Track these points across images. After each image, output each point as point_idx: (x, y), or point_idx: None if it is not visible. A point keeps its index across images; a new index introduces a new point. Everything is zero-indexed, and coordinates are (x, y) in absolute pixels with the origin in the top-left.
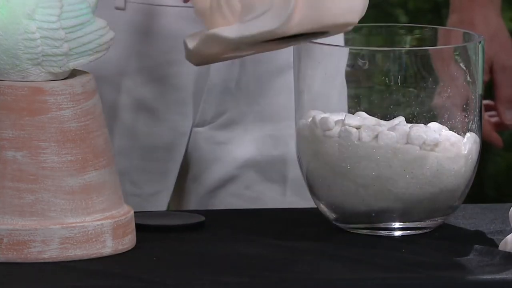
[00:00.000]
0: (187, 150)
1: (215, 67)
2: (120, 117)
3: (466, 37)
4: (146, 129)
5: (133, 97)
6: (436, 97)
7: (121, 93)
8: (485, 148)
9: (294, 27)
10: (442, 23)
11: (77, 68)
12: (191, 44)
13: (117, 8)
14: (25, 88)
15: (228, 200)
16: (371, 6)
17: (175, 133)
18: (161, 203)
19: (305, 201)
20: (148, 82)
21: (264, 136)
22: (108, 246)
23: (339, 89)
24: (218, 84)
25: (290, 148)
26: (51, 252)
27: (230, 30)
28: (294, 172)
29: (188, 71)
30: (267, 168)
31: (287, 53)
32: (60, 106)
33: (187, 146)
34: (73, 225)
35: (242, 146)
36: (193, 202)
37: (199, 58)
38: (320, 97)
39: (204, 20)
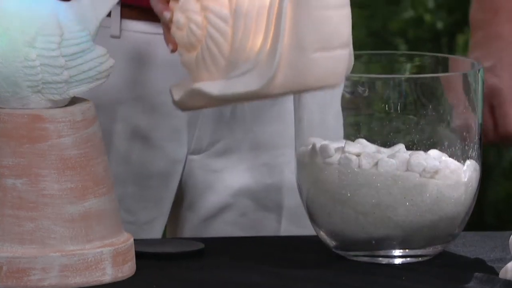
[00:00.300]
0: (182, 177)
1: None
2: (115, 144)
3: (466, 65)
4: (141, 156)
5: (128, 125)
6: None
7: (116, 121)
8: (485, 176)
9: (276, 89)
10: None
11: (77, 96)
12: (176, 96)
13: (112, 37)
14: (25, 116)
15: (223, 228)
16: (370, 35)
17: (170, 161)
18: (156, 230)
19: (301, 229)
20: (143, 110)
21: (259, 164)
22: (108, 274)
23: (337, 116)
24: (213, 112)
25: (285, 176)
26: (51, 280)
27: (213, 86)
28: (290, 201)
29: None
30: (262, 196)
31: None
32: (60, 134)
33: (182, 174)
34: (73, 252)
35: (237, 174)
36: (189, 229)
37: (185, 108)
38: (319, 125)
39: (189, 72)
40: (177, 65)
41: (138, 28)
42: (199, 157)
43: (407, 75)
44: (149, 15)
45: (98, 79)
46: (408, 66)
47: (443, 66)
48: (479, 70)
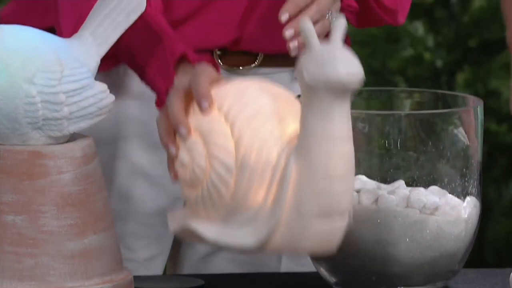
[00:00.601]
0: None
1: None
2: (116, 181)
3: (466, 101)
4: (141, 194)
5: (129, 162)
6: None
7: (117, 158)
8: (485, 213)
9: (270, 248)
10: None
11: (77, 132)
12: (172, 227)
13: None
14: (25, 152)
15: (223, 265)
16: (370, 73)
17: (171, 198)
18: (157, 268)
19: (301, 267)
20: (144, 147)
21: None
22: None
23: None
24: None
25: None
26: None
27: (209, 230)
28: None
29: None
30: None
31: None
32: (60, 170)
33: None
34: None
35: None
36: (189, 266)
37: (181, 238)
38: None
39: (187, 205)
40: None
41: None
42: None
43: (406, 111)
44: None
45: (98, 115)
46: (408, 102)
47: (443, 102)
48: (478, 107)
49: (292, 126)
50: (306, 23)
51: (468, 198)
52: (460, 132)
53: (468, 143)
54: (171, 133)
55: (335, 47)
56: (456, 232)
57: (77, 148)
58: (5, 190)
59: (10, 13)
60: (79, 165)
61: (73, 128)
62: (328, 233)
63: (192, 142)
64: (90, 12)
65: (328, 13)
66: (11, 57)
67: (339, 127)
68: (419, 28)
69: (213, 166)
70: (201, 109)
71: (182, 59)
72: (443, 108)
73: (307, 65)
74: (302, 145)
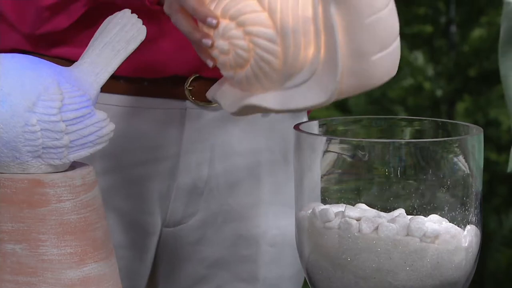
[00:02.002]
0: (157, 250)
1: (184, 167)
2: None
3: (466, 130)
4: (115, 229)
5: (102, 197)
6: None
7: (100, 193)
8: (485, 243)
9: (339, 97)
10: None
11: (77, 160)
12: (230, 108)
13: None
14: (25, 181)
15: None
16: (370, 102)
17: (145, 234)
18: None
19: None
20: (116, 182)
21: (235, 236)
22: None
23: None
24: (187, 184)
25: (261, 248)
26: None
27: (271, 101)
28: (267, 273)
29: (155, 171)
30: (238, 268)
31: (256, 152)
32: (60, 198)
33: (157, 246)
34: None
35: (212, 246)
36: None
37: (239, 115)
38: (319, 189)
39: (238, 86)
40: (152, 137)
41: (112, 101)
42: (174, 230)
43: (407, 139)
44: (122, 88)
45: (98, 143)
46: (408, 130)
47: (443, 130)
48: (478, 135)
49: None
50: None
51: (468, 227)
52: (460, 161)
53: (468, 171)
54: (196, 27)
55: None
56: (457, 261)
57: (77, 176)
58: (5, 219)
59: None
60: (79, 194)
61: (73, 156)
62: (390, 60)
63: (224, 28)
64: (91, 41)
65: None
66: (11, 86)
67: None
68: (419, 57)
69: (256, 43)
70: (210, 26)
71: None
72: (443, 136)
73: None
74: None
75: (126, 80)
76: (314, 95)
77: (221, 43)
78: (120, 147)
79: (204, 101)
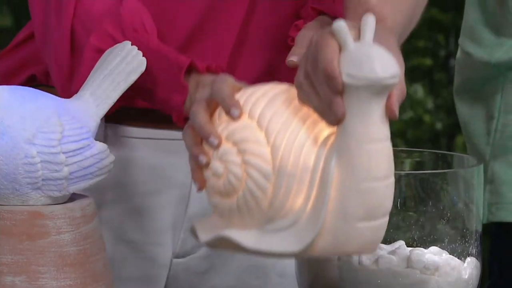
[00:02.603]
0: (167, 281)
1: (194, 196)
2: None
3: (466, 161)
4: (125, 260)
5: (112, 228)
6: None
7: (100, 224)
8: (486, 275)
9: (313, 253)
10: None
11: (76, 192)
12: (203, 237)
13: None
14: (25, 213)
15: None
16: None
17: (155, 265)
18: None
19: None
20: (126, 213)
21: (244, 265)
22: None
23: None
24: (197, 213)
25: (271, 278)
26: None
27: (247, 237)
28: None
29: (166, 201)
30: None
31: None
32: (60, 230)
33: (167, 278)
34: None
35: (221, 275)
36: None
37: (213, 248)
38: None
39: (218, 215)
40: (158, 167)
41: (121, 132)
42: (184, 260)
43: (406, 171)
44: (131, 119)
45: (98, 175)
46: (408, 162)
47: (443, 162)
48: (478, 167)
49: (325, 127)
50: (340, 23)
51: (468, 259)
52: (460, 192)
53: (468, 203)
54: (199, 143)
55: (369, 45)
56: None
57: (76, 208)
58: (4, 251)
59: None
60: (78, 225)
61: (72, 188)
62: (373, 233)
63: (224, 151)
64: (91, 72)
65: None
66: (11, 118)
67: (379, 126)
68: (418, 90)
69: (250, 174)
70: (232, 118)
71: (191, 70)
72: (443, 168)
73: (345, 66)
74: (342, 147)
75: (136, 112)
76: (289, 244)
77: (217, 165)
78: (130, 177)
79: None
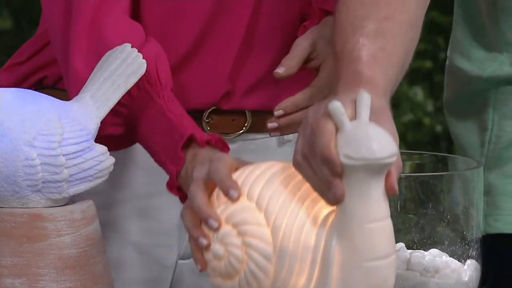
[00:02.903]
0: (172, 283)
1: None
2: (106, 249)
3: (466, 164)
4: (131, 262)
5: (117, 231)
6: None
7: (106, 225)
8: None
9: None
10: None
11: (76, 194)
12: None
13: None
14: (25, 215)
15: None
16: None
17: (161, 267)
18: None
19: None
20: (132, 214)
21: None
22: None
23: None
24: None
25: None
26: None
27: None
28: None
29: (171, 202)
30: None
31: None
32: (60, 233)
33: (172, 279)
34: None
35: None
36: None
37: None
38: None
39: None
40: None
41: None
42: (189, 261)
43: (406, 173)
44: None
45: (98, 177)
46: (408, 164)
47: (443, 164)
48: (478, 169)
49: (324, 205)
50: (335, 104)
51: (468, 261)
52: (460, 195)
53: (468, 205)
54: (198, 225)
55: (366, 124)
56: None
57: (76, 210)
58: (4, 253)
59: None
60: (78, 228)
61: (72, 190)
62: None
63: (224, 233)
64: (91, 75)
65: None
66: (11, 120)
67: (379, 206)
68: (418, 93)
69: (251, 256)
70: (230, 199)
71: (191, 141)
72: (443, 170)
73: (342, 146)
74: (343, 227)
75: (117, 139)
76: None
77: (217, 247)
78: (136, 178)
79: (221, 133)
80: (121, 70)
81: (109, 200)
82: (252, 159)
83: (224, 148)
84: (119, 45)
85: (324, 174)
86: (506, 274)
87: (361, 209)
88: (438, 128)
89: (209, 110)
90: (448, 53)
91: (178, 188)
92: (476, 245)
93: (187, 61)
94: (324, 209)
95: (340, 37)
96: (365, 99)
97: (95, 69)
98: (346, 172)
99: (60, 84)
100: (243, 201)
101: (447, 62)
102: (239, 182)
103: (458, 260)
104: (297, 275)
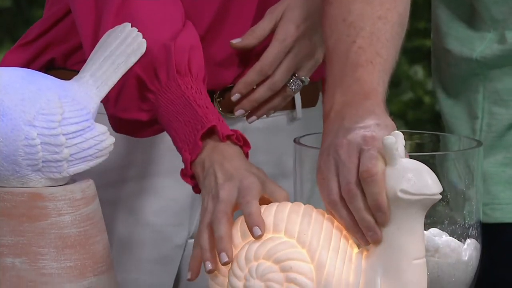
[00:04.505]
0: (181, 261)
1: None
2: (117, 228)
3: (466, 143)
4: (143, 242)
5: (129, 208)
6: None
7: (117, 204)
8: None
9: None
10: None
11: (77, 174)
12: None
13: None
14: (25, 194)
15: None
16: None
17: (171, 246)
18: None
19: None
20: (144, 192)
21: None
22: None
23: None
24: None
25: None
26: None
27: None
28: None
29: (184, 182)
30: None
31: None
32: (60, 212)
33: (182, 257)
34: None
35: None
36: None
37: None
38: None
39: None
40: None
41: None
42: None
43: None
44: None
45: (98, 157)
46: (408, 144)
47: (443, 144)
48: (478, 149)
49: (353, 243)
50: (390, 140)
51: (468, 241)
52: (460, 174)
53: (468, 185)
54: (213, 247)
55: (416, 162)
56: (457, 274)
57: (77, 189)
58: (4, 232)
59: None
60: (78, 207)
61: (73, 170)
62: None
63: (265, 269)
64: (91, 54)
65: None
66: (11, 100)
67: (423, 242)
68: (418, 71)
69: None
70: (254, 236)
71: (212, 133)
72: (443, 150)
73: (397, 182)
74: (390, 263)
75: (143, 125)
76: None
77: (256, 283)
78: (147, 156)
79: (231, 113)
80: (121, 49)
81: (119, 179)
82: (263, 137)
83: (245, 146)
84: (152, 31)
85: (368, 220)
86: (503, 261)
87: (410, 245)
88: (438, 106)
89: (220, 90)
90: (433, 36)
91: (192, 176)
92: (476, 224)
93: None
94: (354, 246)
95: (332, 32)
96: (401, 138)
97: (95, 49)
98: (397, 208)
99: (69, 64)
100: (282, 237)
101: (432, 47)
102: (271, 218)
103: (458, 240)
104: None
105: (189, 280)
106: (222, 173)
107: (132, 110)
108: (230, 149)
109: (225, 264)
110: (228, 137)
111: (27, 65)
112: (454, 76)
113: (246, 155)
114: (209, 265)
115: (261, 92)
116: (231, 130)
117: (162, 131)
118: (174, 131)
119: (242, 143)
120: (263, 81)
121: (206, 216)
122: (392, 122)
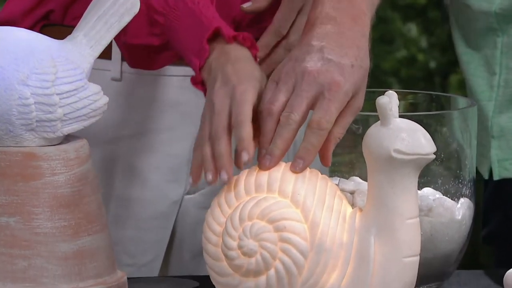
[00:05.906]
0: (177, 217)
1: None
2: (115, 186)
3: (460, 103)
4: (140, 198)
5: (128, 166)
6: None
7: (115, 161)
8: (479, 215)
9: None
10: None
11: (70, 133)
12: None
13: (113, 79)
14: (19, 154)
15: None
16: None
17: (168, 202)
18: (154, 271)
19: None
20: (143, 149)
21: None
22: None
23: None
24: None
25: None
26: None
27: None
28: None
29: (181, 137)
30: None
31: None
32: (54, 172)
33: (177, 214)
34: None
35: None
36: (181, 267)
37: None
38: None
39: None
40: (177, 105)
41: (138, 70)
42: (194, 196)
43: (400, 112)
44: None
45: (92, 116)
46: (401, 104)
47: (436, 103)
48: (472, 108)
49: (346, 202)
50: (384, 100)
51: (462, 200)
52: (454, 134)
53: (462, 144)
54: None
55: (409, 122)
56: (450, 233)
57: (70, 149)
58: None
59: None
60: (72, 167)
61: (67, 129)
62: None
63: (259, 229)
64: (84, 14)
65: None
66: (4, 59)
67: (417, 201)
68: (412, 29)
69: (287, 251)
70: (241, 160)
71: (217, 36)
72: (437, 109)
73: (391, 142)
74: (384, 223)
75: (155, 50)
76: None
77: (250, 243)
78: (144, 114)
79: None
80: (114, 9)
81: (116, 136)
82: None
83: (252, 47)
84: None
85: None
86: None
87: (404, 204)
88: (432, 64)
89: None
90: None
91: (202, 82)
92: (469, 183)
93: None
94: (348, 206)
95: None
96: (395, 97)
97: (88, 8)
98: (391, 167)
99: (67, 20)
100: (276, 197)
101: (449, 6)
102: (265, 178)
103: (452, 199)
104: (330, 272)
105: (192, 185)
106: (221, 77)
107: (142, 35)
108: (237, 51)
109: (224, 182)
110: (234, 38)
111: (24, 15)
112: (472, 32)
113: (255, 58)
114: (209, 176)
115: (279, 53)
116: (235, 33)
117: (175, 58)
118: (184, 44)
119: (250, 45)
120: (278, 43)
121: (205, 125)
122: (368, 63)
